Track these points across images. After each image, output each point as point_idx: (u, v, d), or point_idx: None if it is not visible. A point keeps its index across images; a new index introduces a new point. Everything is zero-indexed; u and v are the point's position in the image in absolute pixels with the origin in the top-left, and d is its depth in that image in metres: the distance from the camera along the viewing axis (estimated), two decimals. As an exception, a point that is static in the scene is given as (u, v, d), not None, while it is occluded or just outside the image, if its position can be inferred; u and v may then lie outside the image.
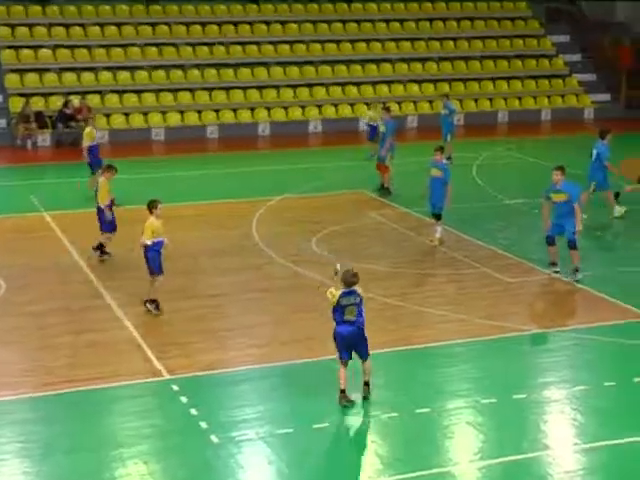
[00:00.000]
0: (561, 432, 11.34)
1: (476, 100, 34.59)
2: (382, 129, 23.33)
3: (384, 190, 22.73)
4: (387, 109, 24.03)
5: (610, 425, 11.36)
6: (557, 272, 16.80)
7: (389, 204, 21.83)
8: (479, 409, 11.73)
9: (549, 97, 35.47)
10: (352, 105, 33.17)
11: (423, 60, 35.04)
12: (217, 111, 31.64)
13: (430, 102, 33.85)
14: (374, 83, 33.95)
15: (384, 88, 33.88)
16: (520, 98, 35.11)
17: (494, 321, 14.64)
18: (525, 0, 37.50)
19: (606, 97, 36.12)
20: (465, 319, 14.74)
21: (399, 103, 33.64)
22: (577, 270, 16.57)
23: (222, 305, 15.38)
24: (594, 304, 15.59)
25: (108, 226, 17.55)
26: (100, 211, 17.56)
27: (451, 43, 35.77)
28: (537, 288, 16.37)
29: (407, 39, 35.36)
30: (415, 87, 34.32)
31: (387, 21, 35.55)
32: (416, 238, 19.18)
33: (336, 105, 33.00)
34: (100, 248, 17.60)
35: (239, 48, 33.29)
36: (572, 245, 16.60)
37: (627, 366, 13.12)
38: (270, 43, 33.67)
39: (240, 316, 14.90)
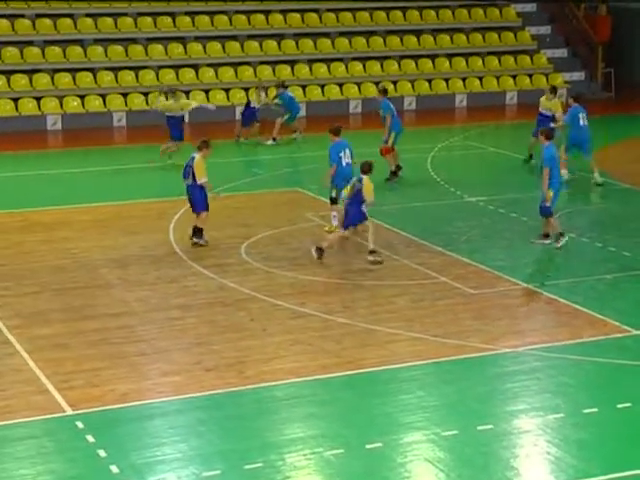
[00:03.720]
0: (534, 468, 11.46)
1: (430, 81, 34.89)
2: (381, 112, 24.42)
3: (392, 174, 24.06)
4: (383, 91, 24.78)
5: (592, 459, 11.48)
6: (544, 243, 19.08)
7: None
8: (439, 443, 11.80)
9: (514, 77, 35.89)
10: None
11: (367, 34, 35.23)
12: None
13: (376, 84, 34.07)
14: (279, 62, 33.89)
15: (322, 68, 34.00)
16: (481, 78, 35.47)
17: (454, 340, 14.77)
18: (485, -36, 37.92)
19: (580, 76, 36.67)
20: (420, 338, 14.84)
21: (340, 85, 33.81)
22: (561, 235, 18.86)
23: (132, 325, 15.29)
24: (568, 317, 15.81)
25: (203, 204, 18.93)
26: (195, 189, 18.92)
27: (400, 14, 36.01)
28: (503, 300, 16.54)
29: (349, 10, 35.52)
30: (359, 66, 34.50)
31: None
32: (361, 244, 19.27)
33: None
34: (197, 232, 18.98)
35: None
36: (541, 213, 18.99)
37: (609, 390, 13.33)
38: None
39: (155, 338, 14.82)
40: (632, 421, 12.41)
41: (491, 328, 15.38)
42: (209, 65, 33.22)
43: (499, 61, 36.14)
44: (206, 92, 32.53)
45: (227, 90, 32.83)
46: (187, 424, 12.28)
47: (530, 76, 36.00)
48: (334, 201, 19.77)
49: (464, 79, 35.26)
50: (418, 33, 35.76)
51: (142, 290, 16.78)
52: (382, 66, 34.68)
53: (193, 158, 18.88)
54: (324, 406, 12.83)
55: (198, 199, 18.89)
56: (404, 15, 36.03)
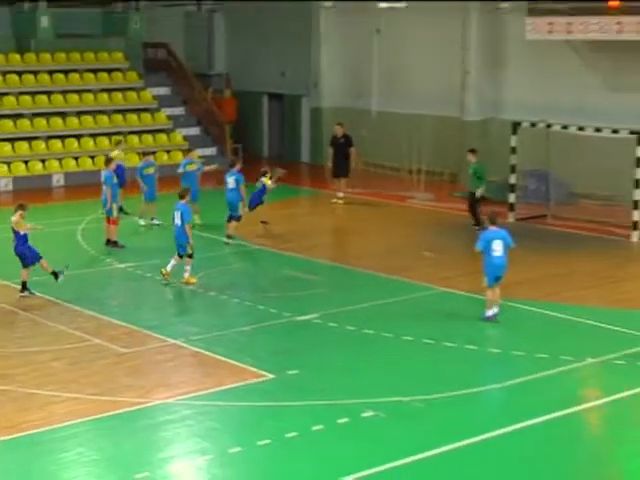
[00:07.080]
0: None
1: (77, 159, 34.48)
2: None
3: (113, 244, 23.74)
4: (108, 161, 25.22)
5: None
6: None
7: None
8: (99, 495, 11.62)
9: (154, 153, 36.10)
10: None
11: (10, 117, 34.35)
12: None
13: (26, 162, 33.29)
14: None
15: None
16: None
17: (109, 397, 14.62)
18: (122, 51, 38.05)
19: (213, 151, 37.58)
20: (78, 397, 14.60)
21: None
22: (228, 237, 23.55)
23: None
24: (212, 368, 16.08)
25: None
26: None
27: (45, 98, 35.44)
28: (154, 357, 16.56)
29: (-5, 94, 34.54)
30: (7, 147, 33.53)
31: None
32: (14, 312, 18.72)
33: None
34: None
35: None
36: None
37: (250, 430, 13.66)
38: None
39: None
40: (270, 456, 12.77)
41: (143, 383, 15.35)
42: None
43: (140, 139, 36.33)
44: None
45: None
46: None
47: (168, 152, 36.45)
48: (190, 256, 20.52)
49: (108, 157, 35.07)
50: (63, 115, 35.30)
51: None
52: (30, 145, 33.89)
53: (11, 221, 19.68)
54: (-14, 471, 12.28)
55: (31, 253, 19.53)
56: (49, 98, 35.45)
